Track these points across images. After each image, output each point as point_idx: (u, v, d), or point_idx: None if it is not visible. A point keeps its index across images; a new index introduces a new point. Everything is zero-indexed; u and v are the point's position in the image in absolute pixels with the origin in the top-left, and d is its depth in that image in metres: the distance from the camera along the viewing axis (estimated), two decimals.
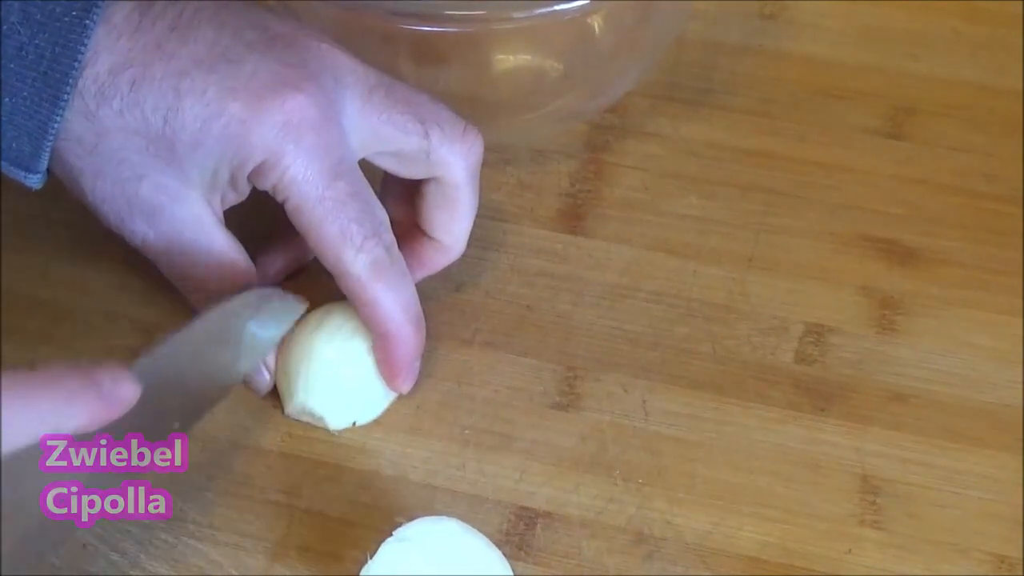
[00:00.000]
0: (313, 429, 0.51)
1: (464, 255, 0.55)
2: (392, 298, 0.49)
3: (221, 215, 0.50)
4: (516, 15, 0.51)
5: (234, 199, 0.50)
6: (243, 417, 0.51)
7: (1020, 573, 0.48)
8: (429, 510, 0.49)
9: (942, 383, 0.53)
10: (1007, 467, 0.50)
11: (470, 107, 0.58)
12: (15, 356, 0.52)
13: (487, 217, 0.57)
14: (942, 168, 0.59)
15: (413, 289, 0.51)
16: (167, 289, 0.52)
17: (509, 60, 0.58)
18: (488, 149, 0.58)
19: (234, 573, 0.47)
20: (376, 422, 0.52)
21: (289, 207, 0.48)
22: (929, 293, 0.55)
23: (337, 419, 0.51)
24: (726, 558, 0.48)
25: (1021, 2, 0.65)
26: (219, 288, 0.50)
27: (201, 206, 0.49)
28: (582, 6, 0.52)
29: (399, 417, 0.52)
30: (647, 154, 0.60)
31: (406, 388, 0.51)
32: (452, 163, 0.51)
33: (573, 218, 0.58)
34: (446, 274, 0.55)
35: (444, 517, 0.46)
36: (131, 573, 0.47)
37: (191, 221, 0.49)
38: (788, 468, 0.50)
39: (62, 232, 0.56)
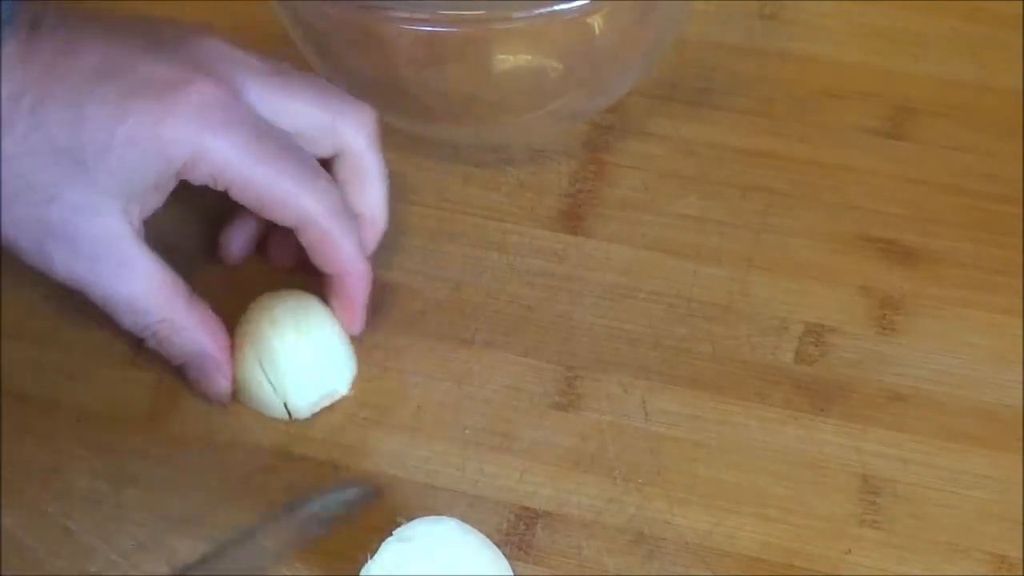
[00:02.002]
0: (313, 428, 0.51)
1: (464, 255, 0.56)
2: (350, 239, 0.51)
3: (141, 229, 0.50)
4: (516, 15, 0.51)
5: (156, 203, 0.50)
6: (243, 417, 0.51)
7: (1020, 573, 0.48)
8: (429, 510, 0.49)
9: (942, 383, 0.53)
10: (1007, 467, 0.50)
11: (470, 107, 0.58)
12: (15, 356, 0.52)
13: (487, 217, 0.57)
14: (942, 168, 0.59)
15: (357, 232, 0.52)
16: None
17: (509, 60, 0.58)
18: (488, 149, 0.58)
19: (234, 574, 0.47)
20: (376, 422, 0.52)
21: (235, 190, 0.49)
22: (929, 293, 0.55)
23: (303, 400, 0.51)
24: (726, 558, 0.48)
25: (1021, 2, 0.65)
26: (147, 307, 0.50)
27: (117, 220, 0.49)
28: (582, 6, 0.52)
29: (399, 417, 0.52)
30: (647, 154, 0.60)
31: (358, 328, 0.53)
32: (352, 133, 0.52)
33: (573, 218, 0.58)
34: (446, 274, 0.55)
35: (444, 517, 0.46)
36: (131, 573, 0.47)
37: (107, 237, 0.49)
38: (788, 468, 0.50)
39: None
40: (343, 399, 0.52)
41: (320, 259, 0.51)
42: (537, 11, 0.51)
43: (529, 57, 0.58)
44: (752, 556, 0.48)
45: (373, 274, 0.52)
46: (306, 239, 0.51)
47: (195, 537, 0.48)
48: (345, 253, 0.51)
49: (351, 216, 0.51)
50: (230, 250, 0.55)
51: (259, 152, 0.49)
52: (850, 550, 0.48)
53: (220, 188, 0.49)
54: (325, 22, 0.55)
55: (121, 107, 0.47)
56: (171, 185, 0.50)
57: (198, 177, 0.49)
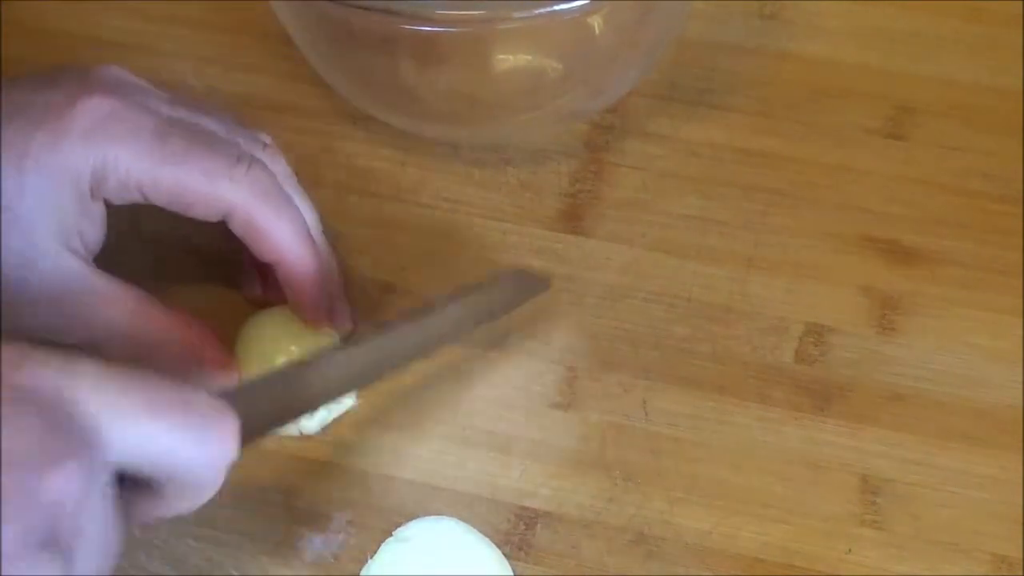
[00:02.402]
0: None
1: (464, 255, 0.56)
2: (284, 223, 0.49)
3: (90, 261, 0.48)
4: (516, 15, 0.51)
5: (95, 235, 0.48)
6: None
7: (1020, 573, 0.48)
8: (429, 510, 0.49)
9: (942, 383, 0.53)
10: (1007, 467, 0.50)
11: (470, 107, 0.58)
12: None
13: (487, 217, 0.57)
14: (942, 168, 0.59)
15: (301, 216, 0.50)
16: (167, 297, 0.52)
17: (509, 60, 0.58)
18: (488, 149, 0.58)
19: (234, 573, 0.47)
20: (376, 422, 0.52)
21: (149, 194, 0.47)
22: (929, 293, 0.55)
23: (314, 417, 0.51)
24: (726, 558, 0.48)
25: (1021, 2, 0.65)
26: (129, 330, 0.49)
27: (65, 257, 0.47)
28: (582, 6, 0.52)
29: (399, 417, 0.52)
30: (647, 154, 0.60)
31: (321, 323, 0.50)
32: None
33: (573, 218, 0.58)
34: (446, 274, 0.55)
35: (444, 517, 0.45)
36: (131, 573, 0.47)
37: (63, 277, 0.47)
38: (788, 468, 0.50)
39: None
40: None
41: (255, 249, 0.49)
42: (537, 11, 0.51)
43: (529, 57, 0.58)
44: (752, 556, 0.48)
45: (368, 274, 0.52)
46: (235, 230, 0.49)
47: (195, 537, 0.48)
48: (277, 237, 0.49)
49: (285, 201, 0.49)
50: (254, 290, 0.54)
51: (163, 152, 0.47)
52: (850, 550, 0.48)
53: (140, 198, 0.47)
54: (325, 22, 0.55)
55: (25, 141, 0.46)
56: (97, 210, 0.48)
57: (112, 190, 0.47)
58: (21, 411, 0.35)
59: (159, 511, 0.40)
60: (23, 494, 0.34)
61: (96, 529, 0.37)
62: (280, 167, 0.51)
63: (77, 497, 0.35)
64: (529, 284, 0.53)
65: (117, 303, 0.48)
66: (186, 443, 0.38)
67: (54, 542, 0.35)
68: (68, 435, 0.36)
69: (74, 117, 0.46)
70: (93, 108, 0.47)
